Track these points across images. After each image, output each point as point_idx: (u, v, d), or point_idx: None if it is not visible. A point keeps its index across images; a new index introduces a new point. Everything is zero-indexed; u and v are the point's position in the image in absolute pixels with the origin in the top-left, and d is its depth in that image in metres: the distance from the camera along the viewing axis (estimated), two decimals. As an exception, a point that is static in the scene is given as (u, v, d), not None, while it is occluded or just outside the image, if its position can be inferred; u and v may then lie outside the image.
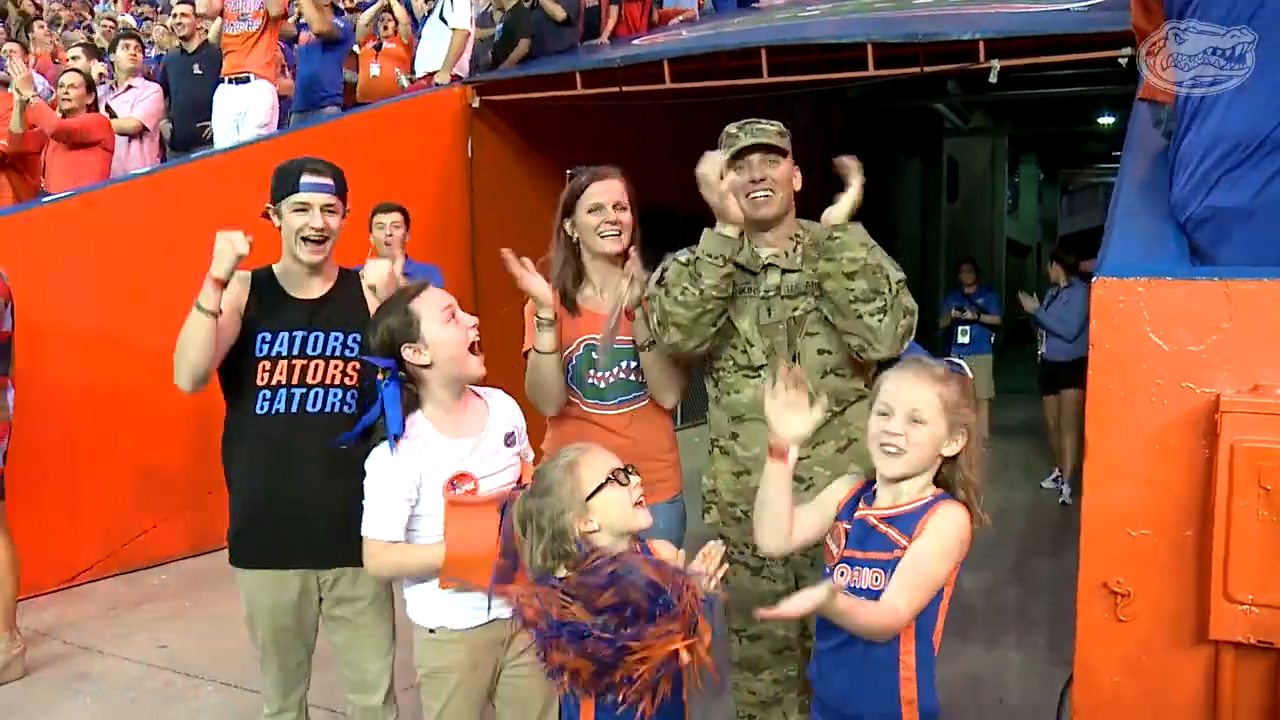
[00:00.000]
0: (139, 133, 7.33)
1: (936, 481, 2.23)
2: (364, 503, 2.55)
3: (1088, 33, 6.12)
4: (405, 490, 2.51)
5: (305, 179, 2.82)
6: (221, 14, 7.72)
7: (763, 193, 2.87)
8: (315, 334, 2.85)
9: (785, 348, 2.89)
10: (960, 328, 9.32)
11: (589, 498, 2.20)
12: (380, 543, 2.53)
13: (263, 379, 2.82)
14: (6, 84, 6.83)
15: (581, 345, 3.10)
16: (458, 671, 2.61)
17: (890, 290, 2.73)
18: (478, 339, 2.59)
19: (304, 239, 2.82)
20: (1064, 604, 4.99)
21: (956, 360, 2.29)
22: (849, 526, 2.26)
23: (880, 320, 2.71)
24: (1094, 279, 2.29)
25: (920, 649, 2.17)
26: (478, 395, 2.70)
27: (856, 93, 13.86)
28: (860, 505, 2.27)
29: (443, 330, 2.54)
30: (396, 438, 2.51)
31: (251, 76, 7.55)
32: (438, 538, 2.54)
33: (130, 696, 4.25)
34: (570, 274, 3.12)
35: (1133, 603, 2.25)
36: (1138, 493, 2.24)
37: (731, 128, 2.94)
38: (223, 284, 2.71)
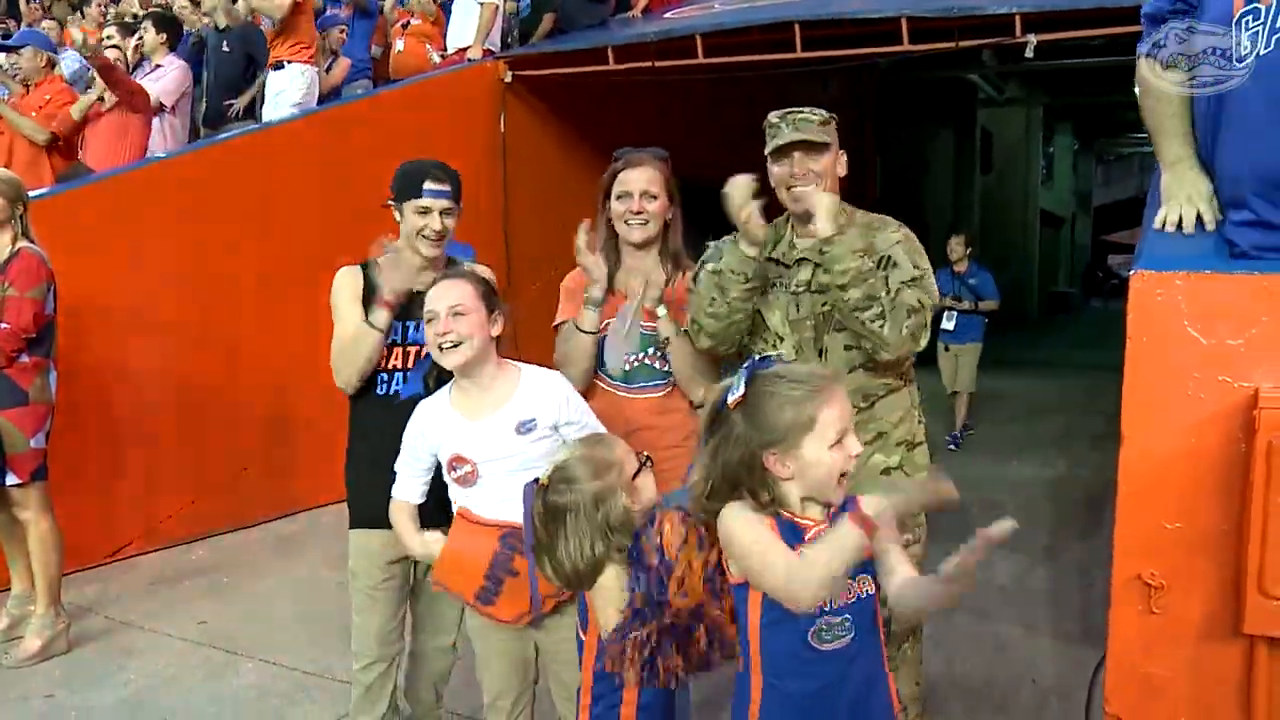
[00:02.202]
0: (158, 110, 7.36)
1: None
2: None
3: (1125, 5, 6.02)
4: (415, 453, 2.80)
5: (428, 185, 3.06)
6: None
7: (802, 186, 2.87)
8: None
9: (812, 344, 2.90)
10: (945, 312, 8.54)
11: (634, 477, 2.27)
12: (395, 501, 2.86)
13: (381, 364, 3.05)
14: (54, 65, 6.87)
15: (609, 326, 3.14)
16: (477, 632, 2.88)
17: (889, 293, 2.75)
18: (446, 341, 2.66)
19: (424, 237, 3.07)
20: (1095, 585, 5.01)
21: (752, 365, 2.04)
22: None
23: (881, 325, 2.73)
24: (1132, 272, 2.28)
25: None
26: (520, 377, 2.75)
27: (889, 64, 13.72)
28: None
29: (428, 328, 2.72)
30: (415, 399, 2.88)
31: (284, 63, 7.60)
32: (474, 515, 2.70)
33: (171, 672, 4.33)
34: (611, 255, 3.17)
35: (1166, 595, 2.26)
36: (1173, 486, 2.24)
37: (773, 116, 2.93)
38: (393, 306, 2.98)
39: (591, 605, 2.27)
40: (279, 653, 4.50)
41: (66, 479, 4.96)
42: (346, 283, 3.11)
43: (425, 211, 3.04)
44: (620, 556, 2.19)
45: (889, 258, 2.85)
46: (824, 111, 2.92)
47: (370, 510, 3.06)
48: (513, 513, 2.47)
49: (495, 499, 2.63)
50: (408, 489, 2.85)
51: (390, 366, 3.07)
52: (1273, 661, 2.15)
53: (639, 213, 3.08)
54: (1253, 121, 2.30)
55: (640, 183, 3.08)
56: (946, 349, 8.69)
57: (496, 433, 2.67)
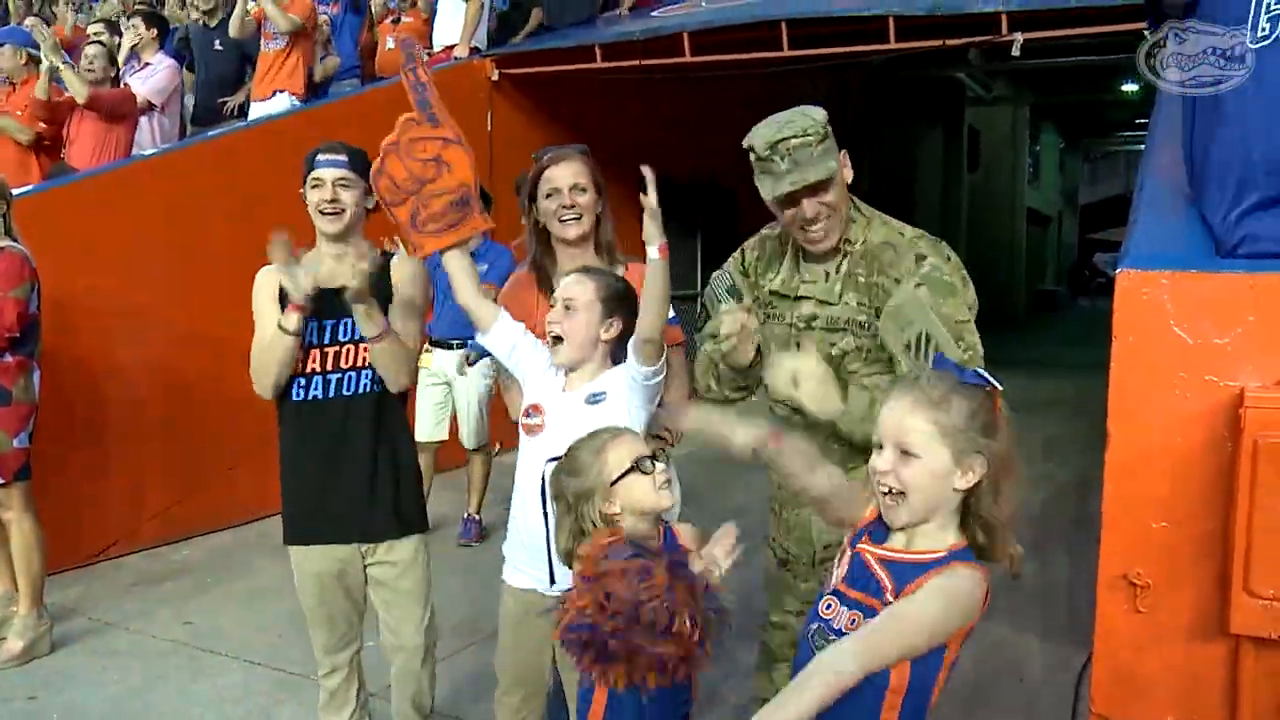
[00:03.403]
0: (146, 110, 7.32)
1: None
2: None
3: (1111, 4, 6.04)
4: (516, 330, 2.79)
5: (319, 157, 2.98)
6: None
7: (818, 228, 2.60)
8: (344, 320, 2.94)
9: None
10: None
11: (614, 482, 2.21)
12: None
13: (296, 368, 2.95)
14: (37, 63, 6.81)
15: None
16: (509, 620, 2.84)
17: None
18: (549, 331, 2.68)
19: (320, 213, 2.96)
20: (1082, 584, 5.01)
21: (982, 372, 1.92)
22: (850, 556, 2.01)
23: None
24: (1118, 270, 2.27)
25: (907, 712, 1.88)
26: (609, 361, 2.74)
27: (878, 62, 13.73)
28: (864, 538, 1.99)
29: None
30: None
31: (276, 93, 7.54)
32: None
33: (156, 673, 4.30)
34: (543, 258, 3.07)
35: (1152, 595, 2.25)
36: (1159, 485, 2.24)
37: (760, 146, 2.55)
38: (303, 308, 2.86)
39: None
40: (264, 653, 4.49)
41: (50, 479, 4.93)
42: (265, 283, 2.99)
43: (318, 184, 2.94)
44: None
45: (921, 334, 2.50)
46: (816, 117, 2.56)
47: (299, 525, 3.07)
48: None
49: (537, 463, 2.65)
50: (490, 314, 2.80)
51: (308, 370, 2.96)
52: (1259, 661, 2.15)
53: (571, 207, 2.97)
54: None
55: (568, 178, 2.98)
56: None
57: (572, 403, 2.69)
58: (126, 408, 5.92)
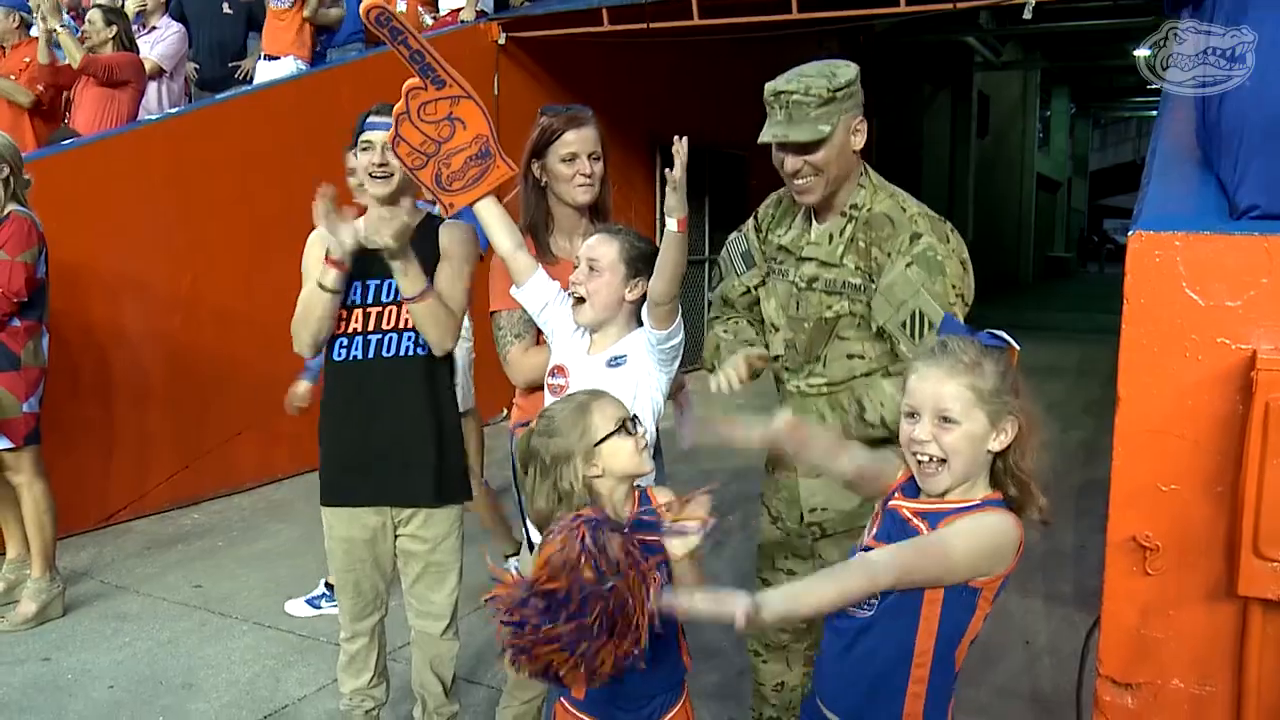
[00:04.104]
0: (157, 75, 7.29)
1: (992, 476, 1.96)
2: None
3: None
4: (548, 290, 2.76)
5: (369, 120, 2.92)
6: None
7: (802, 182, 2.60)
8: (388, 281, 2.89)
9: (805, 349, 2.72)
10: None
11: (597, 443, 2.16)
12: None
13: (339, 327, 2.92)
14: (29, 26, 6.78)
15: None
16: None
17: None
18: (573, 291, 2.66)
19: (370, 175, 2.91)
20: (1090, 549, 5.03)
21: (996, 332, 1.95)
22: (883, 513, 2.05)
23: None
24: (1130, 233, 2.26)
25: (937, 666, 1.92)
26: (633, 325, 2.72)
27: (886, 26, 13.64)
28: (897, 495, 2.02)
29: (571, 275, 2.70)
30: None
31: (281, 56, 7.56)
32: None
33: (166, 635, 4.34)
34: (541, 218, 3.01)
35: (1161, 557, 2.25)
36: (1169, 447, 2.23)
37: (769, 91, 2.57)
38: (341, 265, 2.81)
39: None
40: (273, 616, 4.52)
41: (60, 443, 4.95)
42: (315, 241, 2.95)
43: (368, 147, 2.89)
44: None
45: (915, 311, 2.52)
46: (836, 77, 2.53)
47: (333, 486, 3.02)
48: None
49: None
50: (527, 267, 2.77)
51: (350, 330, 2.93)
52: (1267, 623, 2.15)
53: (589, 175, 2.93)
54: None
55: (588, 144, 2.93)
56: None
57: (594, 366, 2.67)
58: (134, 372, 5.95)
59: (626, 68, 8.88)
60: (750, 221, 2.95)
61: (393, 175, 2.89)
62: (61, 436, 5.07)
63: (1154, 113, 3.04)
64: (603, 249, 2.65)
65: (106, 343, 5.79)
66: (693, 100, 10.03)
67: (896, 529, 1.97)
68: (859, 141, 2.61)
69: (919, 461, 1.92)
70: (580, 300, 2.65)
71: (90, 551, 5.36)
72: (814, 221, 2.73)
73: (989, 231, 20.09)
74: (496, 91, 8.00)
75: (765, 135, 2.57)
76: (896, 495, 2.02)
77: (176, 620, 4.51)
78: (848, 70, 2.57)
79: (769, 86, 2.57)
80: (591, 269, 2.63)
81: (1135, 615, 2.30)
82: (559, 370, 2.73)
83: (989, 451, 1.91)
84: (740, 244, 2.93)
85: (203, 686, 3.90)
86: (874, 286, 2.59)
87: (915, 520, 1.95)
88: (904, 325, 2.52)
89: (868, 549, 1.98)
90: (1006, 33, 18.47)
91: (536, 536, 2.44)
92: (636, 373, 2.63)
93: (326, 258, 2.80)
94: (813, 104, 2.50)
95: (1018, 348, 1.93)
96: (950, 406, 1.88)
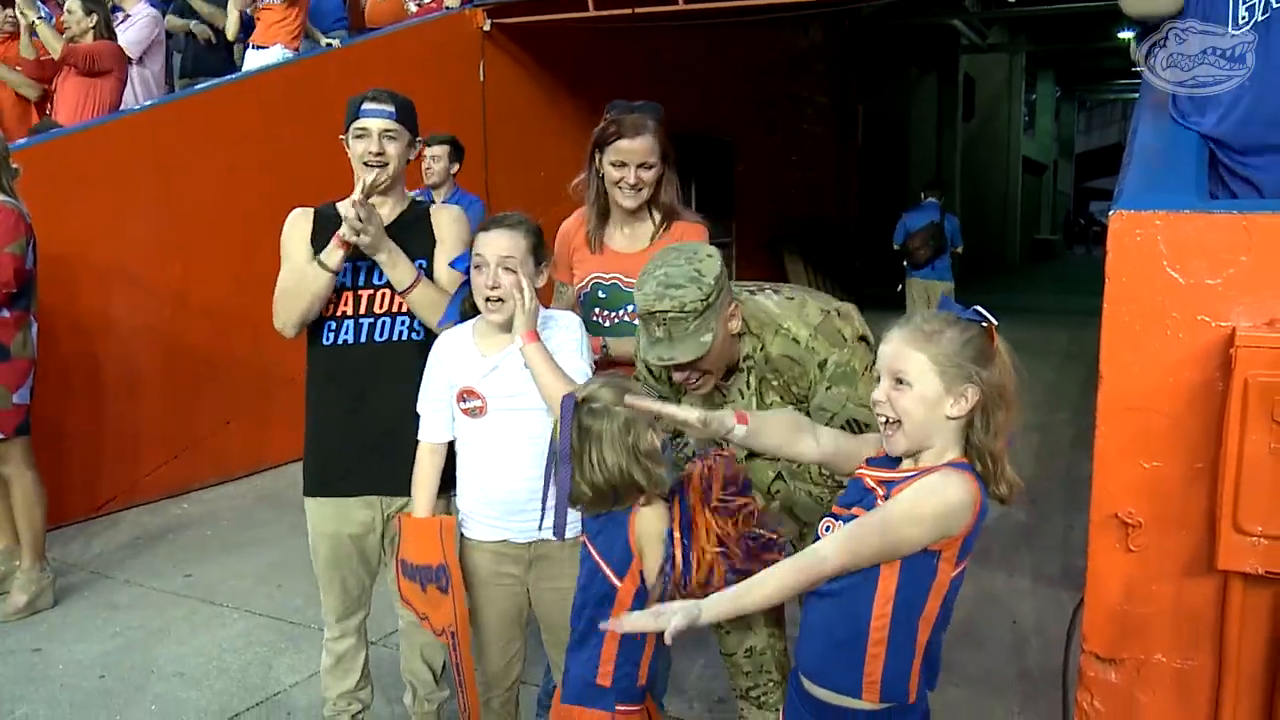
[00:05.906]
0: (126, 62, 7.23)
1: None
2: None
3: (1109, -52, 5.99)
4: (436, 386, 2.72)
5: (365, 105, 2.87)
6: None
7: (695, 384, 2.56)
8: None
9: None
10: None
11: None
12: (421, 444, 2.77)
13: (328, 310, 2.86)
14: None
15: (590, 282, 3.12)
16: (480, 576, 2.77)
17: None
18: (493, 295, 2.58)
19: (365, 164, 2.85)
20: (1075, 529, 5.07)
21: (978, 309, 1.97)
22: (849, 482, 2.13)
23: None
24: (1111, 212, 2.28)
25: (896, 629, 1.96)
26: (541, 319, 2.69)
27: (872, 10, 13.64)
28: (864, 465, 2.09)
29: (475, 275, 2.63)
30: (441, 326, 2.76)
31: (269, 45, 7.50)
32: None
33: (157, 625, 4.35)
34: (599, 208, 3.10)
35: (1143, 533, 2.28)
36: (1150, 425, 2.25)
37: (640, 308, 2.46)
38: (350, 247, 2.74)
39: (637, 552, 2.27)
40: (264, 604, 4.54)
41: (49, 434, 4.95)
42: (297, 222, 2.92)
43: (363, 134, 2.83)
44: (657, 493, 2.26)
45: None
46: (702, 282, 2.41)
47: (317, 475, 2.94)
48: (516, 449, 2.62)
49: (502, 433, 2.64)
50: (433, 428, 2.74)
51: (339, 313, 2.86)
52: (1246, 596, 2.17)
53: (634, 184, 2.99)
54: None
55: (638, 155, 2.98)
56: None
57: (508, 370, 2.62)
58: (123, 363, 5.94)
59: (612, 53, 8.86)
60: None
61: (389, 164, 2.85)
62: (51, 427, 5.06)
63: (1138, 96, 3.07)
64: (509, 243, 2.60)
65: (96, 333, 5.78)
66: (678, 85, 10.02)
67: (857, 495, 2.04)
68: (736, 325, 2.54)
69: (881, 423, 1.99)
70: (499, 302, 2.59)
71: (80, 542, 5.36)
72: (716, 392, 2.66)
73: (975, 214, 20.11)
74: (482, 78, 7.99)
75: (649, 356, 2.51)
76: (863, 465, 2.09)
77: (167, 609, 4.52)
78: (711, 262, 2.46)
79: (641, 303, 2.45)
80: (506, 267, 2.58)
81: (1119, 591, 2.32)
82: (468, 394, 2.66)
83: (949, 417, 1.93)
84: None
85: (194, 675, 3.91)
86: (805, 404, 2.59)
87: (875, 487, 2.00)
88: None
89: (832, 514, 2.06)
90: (992, 16, 18.51)
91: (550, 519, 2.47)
92: (560, 327, 2.71)
93: (337, 238, 2.73)
94: (690, 318, 2.41)
95: (995, 323, 1.95)
96: (904, 368, 1.93)
